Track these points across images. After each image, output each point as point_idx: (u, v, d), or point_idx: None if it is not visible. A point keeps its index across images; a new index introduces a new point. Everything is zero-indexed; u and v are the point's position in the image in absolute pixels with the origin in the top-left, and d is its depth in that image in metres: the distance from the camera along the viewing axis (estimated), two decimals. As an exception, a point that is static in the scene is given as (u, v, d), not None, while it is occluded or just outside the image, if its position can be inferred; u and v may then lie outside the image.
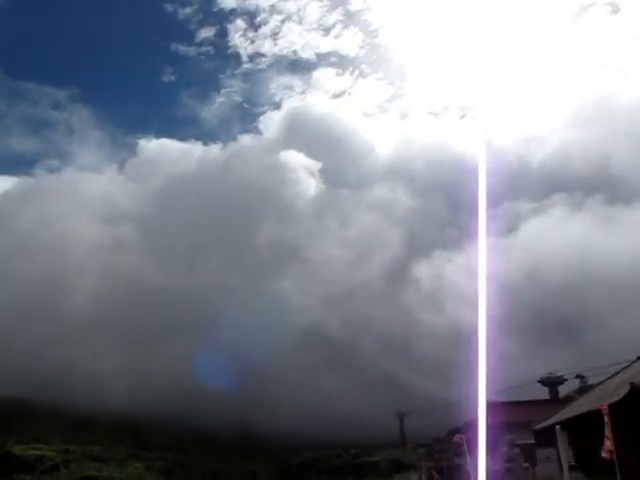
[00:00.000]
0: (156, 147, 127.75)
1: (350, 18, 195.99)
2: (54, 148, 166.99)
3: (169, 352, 73.04)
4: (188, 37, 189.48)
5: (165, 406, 59.58)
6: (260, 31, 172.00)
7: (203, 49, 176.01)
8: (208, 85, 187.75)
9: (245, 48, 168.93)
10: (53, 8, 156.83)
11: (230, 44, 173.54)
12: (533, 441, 24.83)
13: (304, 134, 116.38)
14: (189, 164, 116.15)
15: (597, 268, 70.15)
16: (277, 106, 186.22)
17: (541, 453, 22.69)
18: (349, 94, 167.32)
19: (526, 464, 20.98)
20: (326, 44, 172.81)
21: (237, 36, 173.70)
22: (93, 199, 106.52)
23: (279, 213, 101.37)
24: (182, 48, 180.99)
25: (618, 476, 14.94)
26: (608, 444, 14.88)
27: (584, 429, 18.28)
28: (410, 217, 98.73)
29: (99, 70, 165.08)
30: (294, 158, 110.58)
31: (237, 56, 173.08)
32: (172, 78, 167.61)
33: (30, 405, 58.31)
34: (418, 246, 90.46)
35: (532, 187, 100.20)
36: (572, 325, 64.39)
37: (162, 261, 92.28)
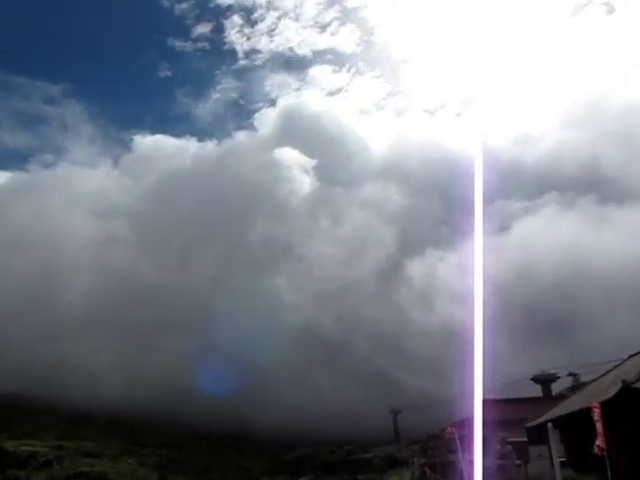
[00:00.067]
0: (151, 143, 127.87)
1: (347, 15, 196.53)
2: (48, 143, 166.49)
3: (163, 348, 73.10)
4: (184, 33, 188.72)
5: (159, 402, 59.62)
6: (256, 27, 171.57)
7: (199, 45, 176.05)
8: (204, 81, 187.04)
9: (241, 44, 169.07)
10: (47, 2, 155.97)
11: (226, 40, 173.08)
12: (526, 438, 25.04)
13: (299, 131, 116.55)
14: (184, 160, 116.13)
15: (588, 267, 70.69)
16: (273, 103, 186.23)
17: (533, 450, 22.87)
18: (345, 91, 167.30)
19: (518, 461, 21.13)
20: (322, 41, 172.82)
21: (233, 32, 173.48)
22: (88, 195, 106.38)
23: (273, 210, 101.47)
24: (178, 44, 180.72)
25: (609, 473, 15.10)
26: (599, 441, 15.04)
27: (576, 427, 18.47)
28: (403, 215, 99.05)
29: (94, 65, 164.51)
30: (289, 155, 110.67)
31: (233, 52, 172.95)
32: (168, 74, 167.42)
33: (24, 401, 58.25)
34: (411, 244, 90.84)
35: (524, 186, 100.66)
36: (564, 324, 64.82)
37: (156, 257, 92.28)
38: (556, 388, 46.16)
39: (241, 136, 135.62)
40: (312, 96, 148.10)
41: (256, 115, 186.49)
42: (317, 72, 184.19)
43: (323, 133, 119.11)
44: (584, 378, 38.55)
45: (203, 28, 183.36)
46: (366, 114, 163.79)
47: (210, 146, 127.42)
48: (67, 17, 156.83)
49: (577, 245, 76.47)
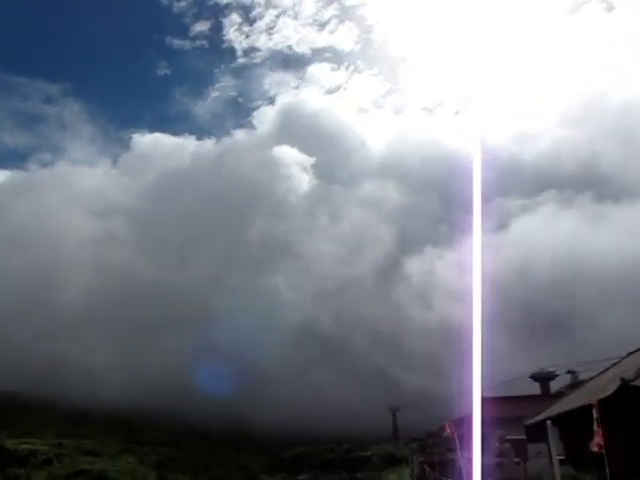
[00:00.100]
0: (150, 142, 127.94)
1: (345, 13, 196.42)
2: (47, 142, 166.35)
3: (162, 346, 73.19)
4: (183, 31, 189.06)
5: (158, 400, 59.70)
6: (255, 25, 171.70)
7: (198, 43, 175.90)
8: (202, 79, 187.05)
9: (240, 42, 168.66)
10: (45, 2, 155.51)
11: (225, 38, 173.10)
12: (524, 436, 25.06)
13: (298, 129, 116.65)
14: (183, 159, 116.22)
15: (586, 265, 70.84)
16: (271, 101, 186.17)
17: (532, 448, 22.89)
18: (344, 89, 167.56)
19: (517, 459, 21.16)
20: (321, 39, 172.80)
21: (232, 30, 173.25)
22: (86, 193, 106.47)
23: (272, 208, 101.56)
24: (177, 42, 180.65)
25: (607, 471, 15.13)
26: (597, 439, 15.07)
27: (575, 424, 18.49)
28: (402, 213, 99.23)
29: (92, 64, 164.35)
30: (287, 153, 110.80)
31: (232, 50, 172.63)
32: (166, 72, 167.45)
33: (23, 399, 58.25)
34: (410, 242, 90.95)
35: (523, 184, 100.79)
36: (562, 321, 64.96)
37: (155, 255, 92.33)
38: (555, 386, 46.24)
39: (240, 134, 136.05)
40: (311, 94, 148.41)
41: (255, 113, 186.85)
42: (316, 70, 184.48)
43: (322, 131, 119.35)
44: (583, 376, 38.58)
45: (201, 26, 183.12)
46: (365, 112, 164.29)
47: (209, 144, 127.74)
48: (65, 16, 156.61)
49: (575, 243, 76.69)
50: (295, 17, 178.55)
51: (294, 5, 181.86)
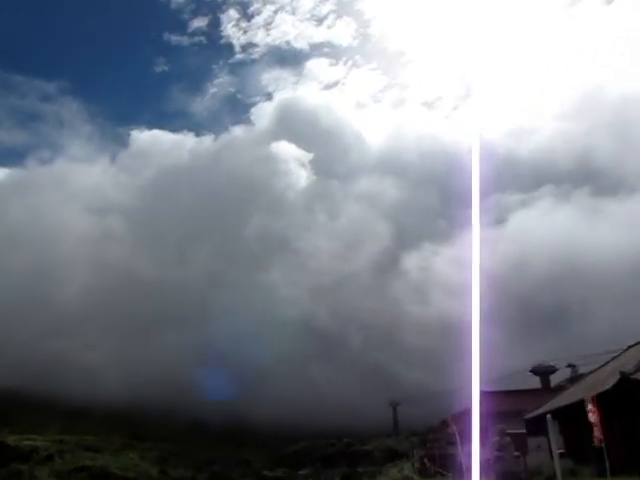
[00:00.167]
0: (148, 138, 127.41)
1: (343, 8, 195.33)
2: (45, 140, 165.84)
3: (161, 343, 73.33)
4: (180, 27, 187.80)
5: (158, 397, 59.85)
6: (253, 21, 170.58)
7: (196, 39, 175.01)
8: (200, 76, 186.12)
9: (238, 38, 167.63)
10: (42, 0, 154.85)
11: (223, 34, 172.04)
12: (524, 430, 25.14)
13: (296, 125, 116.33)
14: (181, 155, 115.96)
15: (584, 259, 70.91)
16: (269, 97, 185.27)
17: (532, 442, 22.98)
18: (342, 84, 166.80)
19: (517, 453, 21.24)
20: (319, 34, 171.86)
21: (230, 26, 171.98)
22: (85, 190, 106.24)
23: (270, 204, 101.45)
24: (174, 38, 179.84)
25: (607, 464, 15.19)
26: (596, 432, 15.12)
27: (575, 418, 18.53)
28: (400, 209, 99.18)
29: (90, 61, 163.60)
30: (285, 149, 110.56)
31: (230, 46, 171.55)
32: (164, 68, 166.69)
33: (24, 396, 58.35)
34: (408, 237, 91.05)
35: (520, 179, 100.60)
36: (561, 316, 65.10)
37: (154, 252, 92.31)
38: (555, 380, 46.32)
39: (238, 130, 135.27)
40: (309, 90, 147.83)
41: (253, 109, 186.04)
42: (314, 65, 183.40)
43: (320, 127, 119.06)
44: (582, 369, 38.67)
45: (199, 22, 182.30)
46: (363, 107, 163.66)
47: (207, 141, 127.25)
48: (62, 14, 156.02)
49: (572, 237, 76.77)
50: (293, 12, 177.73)
51: (292, 0, 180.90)
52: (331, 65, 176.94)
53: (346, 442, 54.44)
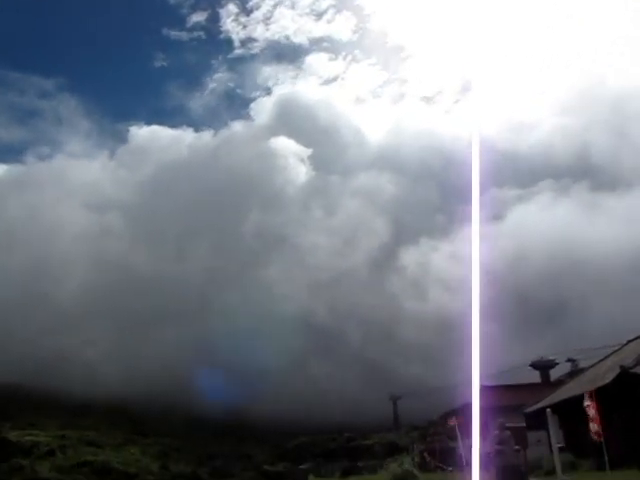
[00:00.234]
0: (147, 134, 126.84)
1: (342, 3, 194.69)
2: (43, 137, 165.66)
3: (160, 339, 73.51)
4: (179, 22, 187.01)
5: (158, 392, 60.01)
6: (252, 16, 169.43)
7: (195, 34, 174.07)
8: (200, 71, 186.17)
9: (237, 33, 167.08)
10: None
11: (222, 29, 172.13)
12: (524, 424, 25.20)
13: (295, 120, 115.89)
14: (180, 151, 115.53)
15: (582, 254, 70.96)
16: (269, 92, 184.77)
17: (532, 436, 23.04)
18: (342, 79, 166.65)
19: (517, 446, 21.32)
20: (318, 29, 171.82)
21: (229, 21, 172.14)
22: (84, 186, 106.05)
23: (269, 200, 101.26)
24: (173, 33, 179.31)
25: (606, 458, 15.24)
26: (595, 426, 15.16)
27: (574, 412, 18.58)
28: (399, 204, 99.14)
29: (89, 57, 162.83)
30: (285, 145, 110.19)
31: (229, 41, 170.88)
32: (163, 64, 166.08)
33: (26, 392, 58.52)
34: (407, 233, 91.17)
35: (519, 174, 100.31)
36: (558, 310, 65.28)
37: (153, 248, 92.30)
38: (555, 374, 46.42)
39: (237, 126, 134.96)
40: (308, 85, 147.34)
41: (252, 105, 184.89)
42: (313, 60, 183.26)
43: (319, 122, 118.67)
44: (582, 364, 38.69)
45: (198, 17, 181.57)
46: (362, 102, 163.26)
47: (206, 136, 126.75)
48: (60, 11, 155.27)
49: (571, 232, 76.78)
50: (292, 7, 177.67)
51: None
52: (330, 60, 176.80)
53: (347, 437, 54.62)
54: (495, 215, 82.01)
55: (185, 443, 53.63)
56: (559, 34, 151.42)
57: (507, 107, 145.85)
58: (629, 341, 22.47)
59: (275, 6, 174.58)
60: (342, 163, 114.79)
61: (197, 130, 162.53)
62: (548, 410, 17.90)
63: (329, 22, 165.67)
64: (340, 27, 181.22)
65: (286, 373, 65.45)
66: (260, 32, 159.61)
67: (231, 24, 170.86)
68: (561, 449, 17.95)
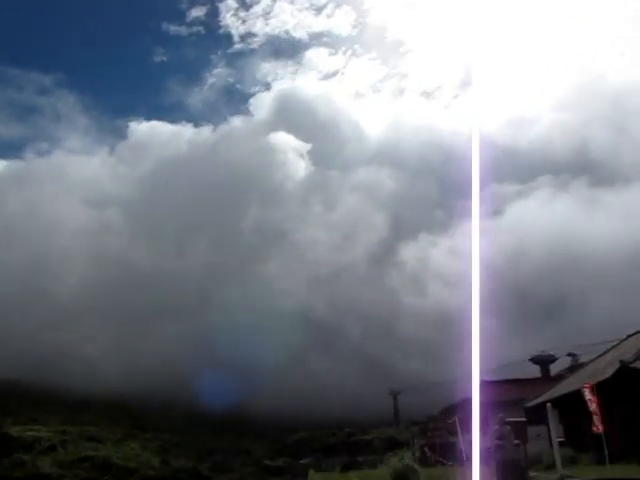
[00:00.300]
0: (147, 129, 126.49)
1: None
2: (42, 133, 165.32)
3: (160, 334, 73.56)
4: (179, 17, 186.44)
5: (158, 387, 60.09)
6: (252, 11, 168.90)
7: (194, 29, 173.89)
8: (199, 66, 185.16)
9: (237, 28, 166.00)
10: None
11: (221, 24, 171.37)
12: (524, 418, 25.26)
13: (294, 115, 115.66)
14: (179, 146, 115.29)
15: (581, 249, 71.06)
16: (268, 87, 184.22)
17: (532, 430, 23.07)
18: (342, 74, 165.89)
19: (517, 441, 21.36)
20: (318, 24, 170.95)
21: (228, 16, 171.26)
22: (84, 182, 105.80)
23: (268, 195, 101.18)
24: (173, 28, 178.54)
25: (606, 452, 15.27)
26: (595, 421, 15.19)
27: (574, 407, 18.62)
28: (398, 199, 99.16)
29: (87, 53, 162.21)
30: (284, 140, 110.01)
31: (228, 36, 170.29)
32: (162, 59, 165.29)
33: (26, 387, 58.61)
34: (406, 228, 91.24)
35: (518, 169, 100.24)
36: (557, 305, 65.42)
37: (152, 244, 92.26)
38: (554, 369, 46.55)
39: (237, 121, 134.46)
40: (308, 79, 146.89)
41: (252, 100, 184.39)
42: (313, 55, 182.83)
43: (318, 117, 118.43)
44: (582, 359, 38.80)
45: (198, 12, 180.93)
46: (362, 97, 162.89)
47: (206, 132, 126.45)
48: (59, 6, 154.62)
49: (570, 227, 76.87)
50: (292, 1, 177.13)
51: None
52: (330, 55, 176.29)
53: (347, 432, 54.77)
54: (494, 210, 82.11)
55: (185, 438, 53.75)
56: (559, 33, 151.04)
57: (507, 103, 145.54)
58: (629, 336, 22.51)
59: (274, 1, 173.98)
60: (341, 158, 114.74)
61: (196, 125, 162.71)
62: (548, 405, 17.90)
63: (329, 17, 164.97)
64: (340, 22, 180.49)
65: (286, 368, 65.53)
66: (260, 27, 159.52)
67: (230, 19, 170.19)
68: (561, 443, 17.96)
